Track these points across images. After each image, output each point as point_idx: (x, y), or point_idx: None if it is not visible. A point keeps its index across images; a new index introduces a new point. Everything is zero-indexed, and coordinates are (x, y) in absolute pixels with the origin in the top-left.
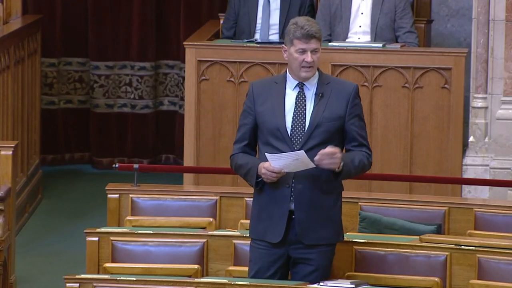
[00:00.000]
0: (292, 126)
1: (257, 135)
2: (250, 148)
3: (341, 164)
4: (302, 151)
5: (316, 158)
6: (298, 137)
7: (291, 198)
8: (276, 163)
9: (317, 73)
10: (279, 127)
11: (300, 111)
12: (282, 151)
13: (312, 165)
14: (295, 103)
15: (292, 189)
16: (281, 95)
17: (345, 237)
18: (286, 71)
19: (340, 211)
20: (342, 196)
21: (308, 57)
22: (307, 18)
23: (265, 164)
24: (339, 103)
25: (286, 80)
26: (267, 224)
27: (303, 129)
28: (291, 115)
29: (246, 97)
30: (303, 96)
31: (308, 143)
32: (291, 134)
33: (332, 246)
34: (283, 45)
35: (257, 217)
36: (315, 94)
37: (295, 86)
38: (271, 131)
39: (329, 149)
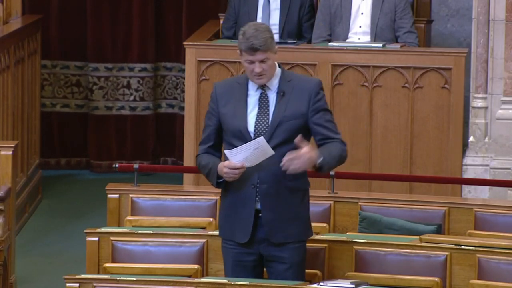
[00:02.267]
0: (255, 128)
1: (222, 136)
2: (214, 149)
3: (321, 159)
4: (262, 138)
5: (282, 165)
6: None
7: (257, 198)
8: (236, 158)
9: (279, 71)
10: (241, 129)
11: (264, 113)
12: None
13: (272, 152)
14: (258, 104)
15: (258, 189)
16: (243, 96)
17: (345, 237)
18: None
19: (308, 207)
20: (342, 196)
21: (256, 68)
22: (256, 27)
23: (225, 162)
24: (301, 101)
25: (248, 81)
26: (234, 225)
27: (266, 130)
28: (254, 117)
29: (210, 98)
30: (266, 97)
31: (270, 143)
32: (254, 136)
33: (302, 242)
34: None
35: (224, 217)
36: (277, 93)
37: (258, 88)
38: (234, 133)
39: (289, 154)
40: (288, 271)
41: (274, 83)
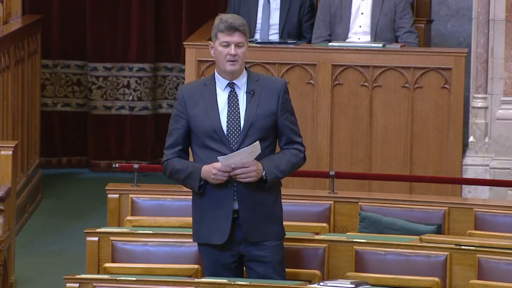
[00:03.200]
0: (227, 126)
1: (190, 139)
2: (184, 152)
3: (263, 172)
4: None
5: (232, 173)
6: (235, 137)
7: (235, 198)
8: (229, 162)
9: (245, 72)
10: (215, 128)
11: (234, 111)
12: (219, 152)
13: (259, 151)
14: (228, 103)
15: (235, 188)
16: (213, 96)
17: (345, 237)
18: (214, 72)
19: (281, 207)
20: (342, 196)
21: (232, 50)
22: (233, 14)
23: (215, 165)
24: (271, 99)
25: (215, 81)
26: (210, 227)
27: (239, 128)
28: (225, 115)
29: (176, 102)
30: (235, 95)
31: (245, 142)
32: (227, 134)
33: (280, 240)
34: (210, 42)
35: (199, 221)
36: (246, 92)
37: (226, 86)
38: (207, 133)
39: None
40: (270, 269)
41: (242, 82)
